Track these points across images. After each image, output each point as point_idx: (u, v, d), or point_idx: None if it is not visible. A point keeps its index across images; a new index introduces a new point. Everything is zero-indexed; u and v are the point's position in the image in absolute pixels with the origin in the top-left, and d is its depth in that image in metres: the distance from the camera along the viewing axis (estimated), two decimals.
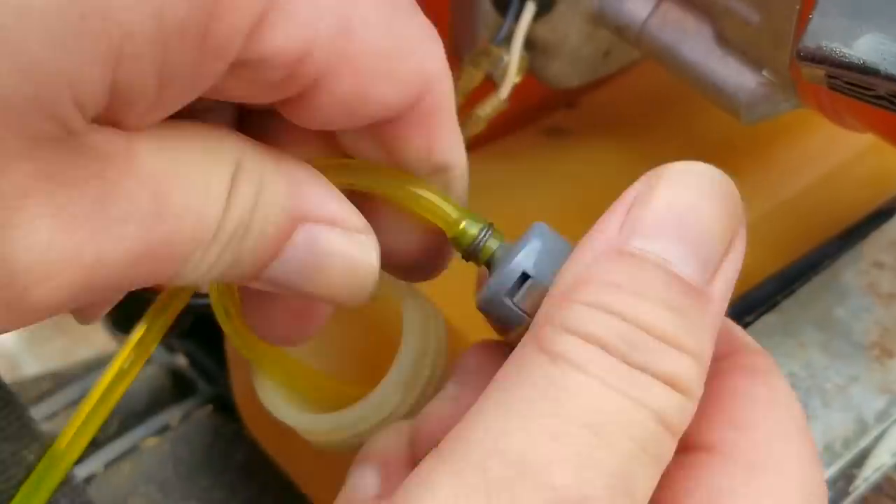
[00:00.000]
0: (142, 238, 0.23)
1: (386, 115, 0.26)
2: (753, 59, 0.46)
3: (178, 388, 0.67)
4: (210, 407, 0.64)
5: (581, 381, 0.23)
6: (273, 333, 0.32)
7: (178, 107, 0.24)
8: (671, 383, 0.24)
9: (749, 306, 0.53)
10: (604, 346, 0.24)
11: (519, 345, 0.25)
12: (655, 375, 0.24)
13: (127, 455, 0.61)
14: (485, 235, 0.30)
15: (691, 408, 0.24)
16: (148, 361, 0.68)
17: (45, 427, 0.62)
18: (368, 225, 0.28)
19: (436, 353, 0.39)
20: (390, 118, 0.26)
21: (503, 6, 0.50)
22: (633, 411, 0.23)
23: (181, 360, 0.68)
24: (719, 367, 0.28)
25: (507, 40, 0.50)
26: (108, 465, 0.60)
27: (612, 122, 0.64)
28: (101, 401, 0.33)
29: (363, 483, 0.30)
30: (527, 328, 0.27)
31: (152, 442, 0.62)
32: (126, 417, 0.63)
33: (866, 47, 0.31)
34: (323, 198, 0.27)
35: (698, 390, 0.25)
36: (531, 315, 0.28)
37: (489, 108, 0.50)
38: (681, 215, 0.26)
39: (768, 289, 0.55)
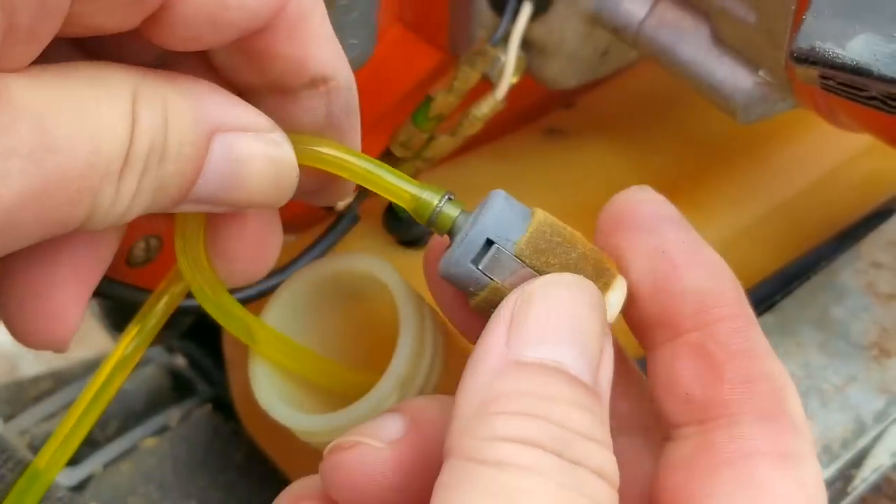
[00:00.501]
0: (32, 173, 0.23)
1: (249, 25, 0.26)
2: (750, 59, 0.46)
3: (176, 388, 0.67)
4: (209, 407, 0.64)
5: (534, 481, 0.24)
6: (233, 269, 0.33)
7: (39, 41, 0.24)
8: (601, 474, 0.25)
9: None
10: (540, 447, 0.25)
11: (443, 469, 0.26)
12: (589, 469, 0.25)
13: (126, 455, 0.61)
14: (443, 203, 0.31)
15: (617, 496, 0.26)
16: (147, 362, 0.69)
17: (45, 427, 0.62)
18: (275, 124, 0.29)
19: (432, 353, 0.39)
20: (255, 28, 0.26)
21: (500, 6, 0.50)
22: None
23: (180, 361, 0.69)
24: (756, 444, 0.28)
25: (504, 40, 0.50)
26: (108, 465, 0.60)
27: (609, 123, 0.64)
28: (82, 417, 0.33)
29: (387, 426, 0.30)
30: (490, 292, 0.29)
31: (151, 442, 0.62)
32: (125, 418, 0.64)
33: (859, 48, 0.31)
34: (229, 106, 0.27)
35: (617, 479, 0.26)
36: (496, 279, 0.29)
37: (486, 108, 0.50)
38: (562, 321, 0.27)
39: (766, 289, 0.55)
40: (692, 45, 0.48)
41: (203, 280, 0.33)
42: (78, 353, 1.06)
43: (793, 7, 0.41)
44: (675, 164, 0.61)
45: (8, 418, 0.61)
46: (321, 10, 0.28)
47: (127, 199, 0.25)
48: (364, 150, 0.50)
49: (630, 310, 0.31)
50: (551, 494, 0.24)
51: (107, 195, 0.24)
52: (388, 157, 0.52)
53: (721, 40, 0.47)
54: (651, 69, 0.57)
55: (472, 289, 0.30)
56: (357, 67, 0.48)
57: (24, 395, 0.65)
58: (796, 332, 0.52)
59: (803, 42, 0.32)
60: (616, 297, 0.30)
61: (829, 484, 0.49)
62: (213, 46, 0.27)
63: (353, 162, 0.31)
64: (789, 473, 0.28)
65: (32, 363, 1.06)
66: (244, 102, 0.28)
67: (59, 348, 0.30)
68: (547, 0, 0.50)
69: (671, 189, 0.60)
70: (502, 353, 0.26)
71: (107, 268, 0.31)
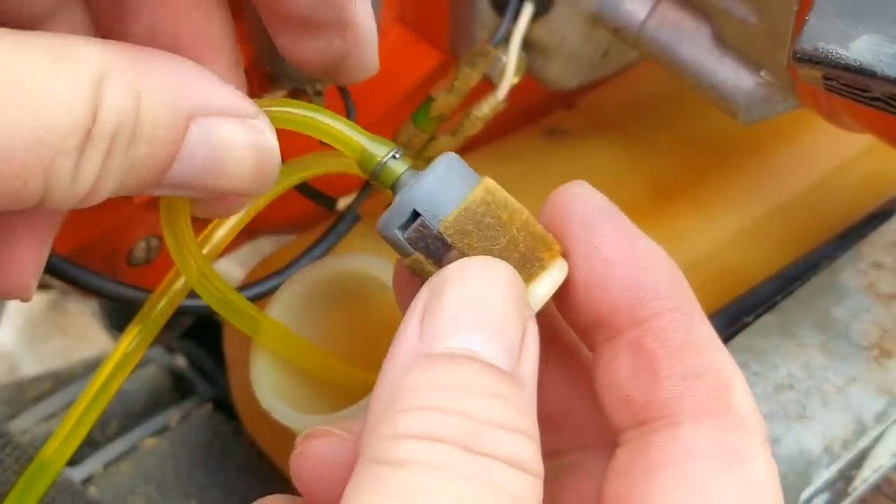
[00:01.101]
0: None
1: None
2: (751, 60, 0.46)
3: (177, 388, 0.67)
4: (209, 407, 0.64)
5: (432, 478, 0.23)
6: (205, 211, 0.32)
7: None
8: (515, 464, 0.24)
9: (748, 307, 0.53)
10: (444, 442, 0.24)
11: (356, 468, 0.25)
12: (499, 459, 0.24)
13: (126, 455, 0.61)
14: (388, 158, 0.30)
15: (538, 484, 0.25)
16: (147, 362, 0.69)
17: (44, 427, 0.62)
18: (259, 109, 0.27)
19: None
20: None
21: (501, 7, 0.50)
22: (488, 497, 0.23)
23: (180, 361, 0.69)
24: (695, 445, 0.26)
25: (505, 41, 0.50)
26: (108, 465, 0.60)
27: (610, 123, 0.64)
28: (90, 406, 0.33)
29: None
30: (414, 262, 0.28)
31: (151, 442, 0.62)
32: (125, 418, 0.63)
33: (862, 49, 0.31)
34: (211, 89, 0.26)
35: (539, 467, 0.25)
36: (420, 251, 0.28)
37: (486, 108, 0.50)
38: (474, 308, 0.26)
39: (767, 289, 0.55)
40: (693, 45, 0.48)
41: (201, 271, 0.33)
42: (78, 353, 1.06)
43: (795, 8, 0.41)
44: (676, 164, 0.61)
45: (8, 418, 0.61)
46: None
47: (90, 178, 0.24)
48: None
49: (566, 309, 0.29)
50: (453, 490, 0.23)
51: (63, 173, 0.23)
52: None
53: (722, 41, 0.47)
54: (652, 69, 0.57)
55: (400, 254, 0.29)
56: None
57: (24, 395, 0.65)
58: (797, 332, 0.52)
59: (806, 43, 0.32)
60: (543, 286, 0.29)
61: (830, 484, 0.49)
62: None
63: (298, 113, 0.29)
64: (733, 474, 0.26)
65: (33, 363, 1.06)
66: (228, 85, 0.27)
67: (22, 296, 0.29)
68: (548, 0, 0.50)
69: (672, 189, 0.60)
70: (414, 347, 0.26)
71: (64, 218, 0.30)
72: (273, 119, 0.29)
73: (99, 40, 0.25)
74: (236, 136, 0.26)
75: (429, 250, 0.29)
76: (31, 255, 0.28)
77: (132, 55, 0.25)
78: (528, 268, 0.29)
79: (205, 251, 0.35)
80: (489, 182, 0.29)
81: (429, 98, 0.51)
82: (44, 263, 0.29)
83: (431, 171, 0.29)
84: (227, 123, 0.26)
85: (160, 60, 0.26)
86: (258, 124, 0.27)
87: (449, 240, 0.28)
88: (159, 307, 0.34)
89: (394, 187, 0.30)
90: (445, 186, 0.29)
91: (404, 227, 0.29)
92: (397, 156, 0.30)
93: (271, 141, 0.28)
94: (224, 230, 0.36)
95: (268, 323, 0.38)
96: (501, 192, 0.30)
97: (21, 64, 0.22)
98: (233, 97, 0.27)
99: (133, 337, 0.34)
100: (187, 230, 0.32)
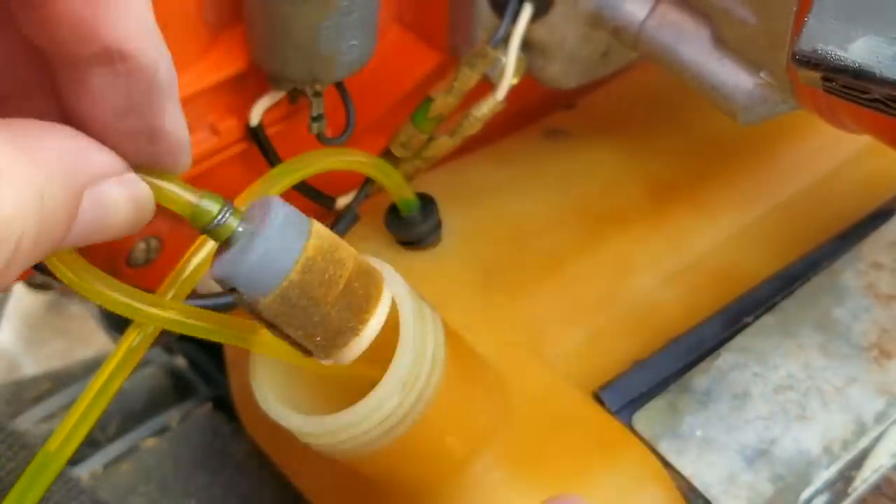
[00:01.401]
0: None
1: None
2: (751, 61, 0.46)
3: (177, 389, 0.67)
4: (209, 407, 0.64)
5: None
6: None
7: None
8: None
9: (748, 307, 0.53)
10: None
11: None
12: None
13: (127, 455, 0.61)
14: (224, 216, 0.30)
15: None
16: (147, 362, 0.69)
17: (44, 427, 0.62)
18: (124, 161, 0.28)
19: (433, 354, 0.39)
20: None
21: (500, 7, 0.50)
22: None
23: (180, 362, 0.69)
24: None
25: (505, 41, 0.50)
26: (108, 465, 0.60)
27: (610, 123, 0.64)
28: (94, 399, 0.33)
29: None
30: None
31: (152, 442, 0.62)
32: (126, 418, 0.64)
33: (861, 50, 0.31)
34: (95, 157, 0.26)
35: None
36: (245, 306, 0.31)
37: (486, 108, 0.50)
38: None
39: (767, 290, 0.55)
40: (693, 46, 0.48)
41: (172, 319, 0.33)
42: (77, 353, 1.06)
43: (794, 9, 0.41)
44: (676, 164, 0.61)
45: (8, 418, 0.61)
46: None
47: None
48: (364, 150, 0.50)
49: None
50: None
51: None
52: (387, 157, 0.52)
53: (722, 42, 0.47)
54: (651, 70, 0.57)
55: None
56: (358, 68, 0.49)
57: (24, 395, 0.65)
58: (797, 333, 0.52)
59: (805, 44, 0.32)
60: (347, 355, 0.33)
61: (830, 485, 0.49)
62: None
63: None
64: None
65: (32, 364, 1.06)
66: (102, 146, 0.27)
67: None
68: (548, 1, 0.50)
69: (672, 189, 0.60)
70: None
71: None
72: None
73: None
74: (119, 195, 0.27)
75: (249, 307, 0.31)
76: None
77: (25, 141, 0.24)
78: (339, 339, 0.32)
79: (194, 266, 0.36)
80: (309, 251, 0.31)
81: (428, 98, 0.51)
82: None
83: (258, 244, 0.30)
84: (111, 186, 0.27)
85: (53, 140, 0.25)
86: (131, 178, 0.28)
87: (267, 318, 0.31)
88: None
89: (226, 242, 0.31)
90: (266, 264, 0.30)
91: (230, 290, 0.31)
92: (228, 214, 0.30)
93: (145, 188, 0.28)
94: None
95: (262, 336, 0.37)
96: (323, 259, 0.31)
97: None
98: (111, 158, 0.27)
99: (136, 335, 0.34)
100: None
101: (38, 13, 0.25)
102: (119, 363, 0.34)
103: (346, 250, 0.33)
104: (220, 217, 0.30)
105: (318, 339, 0.33)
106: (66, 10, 0.24)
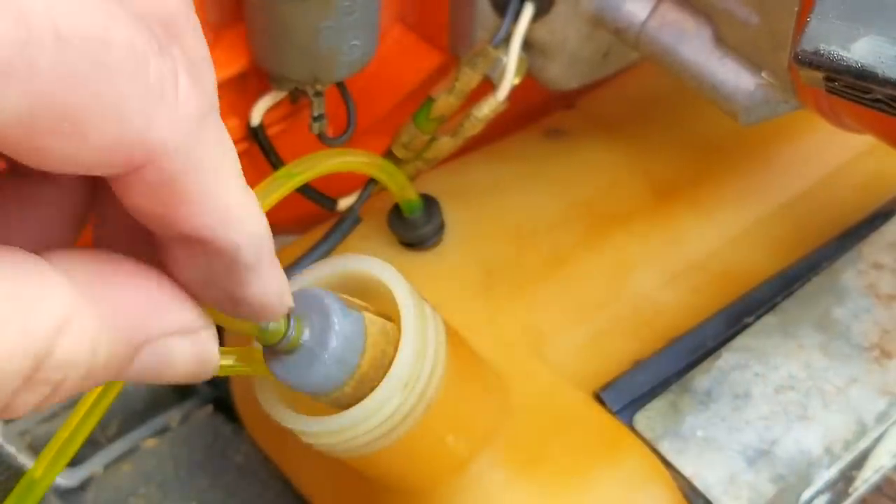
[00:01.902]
0: None
1: (89, 173, 0.22)
2: (752, 61, 0.46)
3: (177, 389, 0.67)
4: (209, 408, 0.64)
5: None
6: None
7: None
8: None
9: (749, 307, 0.53)
10: None
11: None
12: None
13: (127, 456, 0.61)
14: (291, 334, 0.33)
15: None
16: None
17: (45, 428, 0.62)
18: (206, 316, 0.27)
19: (434, 354, 0.39)
20: (106, 175, 0.23)
21: (502, 7, 0.50)
22: None
23: None
24: None
25: (506, 41, 0.50)
26: (108, 465, 0.60)
27: (610, 124, 0.64)
28: (79, 424, 0.33)
29: None
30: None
31: (152, 443, 0.62)
32: (126, 418, 0.63)
33: (864, 50, 0.31)
34: (169, 311, 0.26)
35: None
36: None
37: (486, 108, 0.50)
38: None
39: (768, 290, 0.55)
40: (694, 46, 0.48)
41: None
42: None
43: (796, 9, 0.41)
44: (676, 164, 0.61)
45: (8, 419, 0.61)
46: (218, 158, 0.24)
47: (23, 409, 0.23)
48: (365, 150, 0.50)
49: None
50: None
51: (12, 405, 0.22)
52: (390, 158, 0.52)
53: (723, 42, 0.47)
54: (652, 70, 0.57)
55: None
56: (359, 68, 0.49)
57: None
58: (798, 333, 0.52)
59: (808, 44, 0.32)
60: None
61: (831, 485, 0.49)
62: (54, 170, 0.22)
63: None
64: None
65: None
66: (185, 300, 0.26)
67: None
68: (549, 1, 0.50)
69: (672, 189, 0.60)
70: None
71: None
72: None
73: (67, 267, 0.23)
74: (182, 351, 0.26)
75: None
76: None
77: (99, 288, 0.24)
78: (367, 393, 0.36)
79: None
80: (366, 358, 0.35)
81: (429, 99, 0.51)
82: None
83: (317, 368, 0.34)
84: (175, 341, 0.26)
85: (124, 283, 0.25)
86: (204, 337, 0.27)
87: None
88: None
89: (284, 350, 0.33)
90: (330, 376, 0.34)
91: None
92: (293, 332, 0.33)
93: (213, 351, 0.27)
94: None
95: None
96: (375, 350, 0.36)
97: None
98: (187, 314, 0.26)
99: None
100: None
101: (110, 196, 0.24)
102: (101, 392, 0.33)
103: (384, 326, 0.37)
104: (286, 336, 0.32)
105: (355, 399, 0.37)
106: (138, 206, 0.24)
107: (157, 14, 0.23)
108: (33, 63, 0.19)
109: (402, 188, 0.49)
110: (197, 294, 0.27)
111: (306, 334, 0.33)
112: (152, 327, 0.25)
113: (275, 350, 0.33)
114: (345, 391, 0.35)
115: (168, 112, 0.22)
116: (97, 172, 0.22)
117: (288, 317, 0.32)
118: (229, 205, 0.24)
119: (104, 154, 0.21)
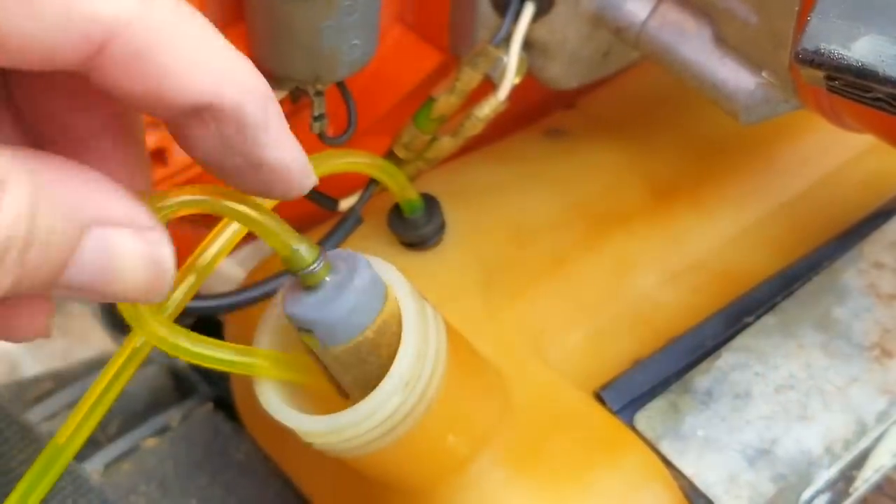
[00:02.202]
0: None
1: (57, 61, 0.24)
2: (753, 60, 0.46)
3: (178, 388, 0.67)
4: (210, 406, 0.64)
5: None
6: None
7: None
8: None
9: (749, 307, 0.54)
10: None
11: None
12: None
13: (127, 455, 0.61)
14: (318, 265, 0.33)
15: None
16: (148, 362, 0.69)
17: (45, 427, 0.62)
18: (158, 221, 0.28)
19: (435, 354, 0.39)
20: (73, 64, 0.24)
21: (502, 7, 0.50)
22: None
23: (181, 361, 0.69)
24: None
25: (506, 41, 0.50)
26: (109, 464, 0.60)
27: (611, 123, 0.64)
28: (102, 393, 0.33)
29: None
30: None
31: (152, 442, 0.62)
32: (126, 418, 0.63)
33: (865, 49, 0.31)
34: (110, 200, 0.26)
35: None
36: (309, 348, 0.35)
37: (487, 108, 0.50)
38: None
39: (768, 289, 0.55)
40: (694, 45, 0.48)
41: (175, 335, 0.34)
42: (78, 353, 1.06)
43: (797, 8, 0.41)
44: (677, 164, 0.61)
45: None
46: (187, 22, 0.25)
47: None
48: (366, 150, 0.50)
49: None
50: None
51: None
52: (391, 159, 0.52)
53: (724, 41, 0.47)
54: (652, 70, 0.57)
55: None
56: (359, 67, 0.49)
57: (25, 395, 0.65)
58: (798, 333, 0.52)
59: (808, 43, 0.32)
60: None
61: (831, 484, 0.49)
62: (16, 64, 0.24)
63: (238, 208, 0.31)
64: None
65: (33, 363, 1.06)
66: (125, 194, 0.27)
67: (42, 335, 0.30)
68: (549, 1, 0.50)
69: (672, 189, 0.60)
70: None
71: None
72: (215, 208, 0.30)
73: (3, 146, 0.24)
74: (130, 247, 0.27)
75: (317, 350, 0.35)
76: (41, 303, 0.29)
77: (32, 165, 0.25)
78: (376, 384, 0.36)
79: (204, 261, 0.36)
80: (385, 315, 0.35)
81: (430, 99, 0.51)
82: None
83: (346, 299, 0.34)
84: (122, 234, 0.27)
85: (59, 169, 0.26)
86: (153, 235, 0.27)
87: (328, 364, 0.35)
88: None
89: (309, 286, 0.34)
90: (350, 318, 0.34)
91: (303, 330, 0.34)
92: (320, 265, 0.33)
93: (166, 253, 0.28)
94: (223, 240, 0.36)
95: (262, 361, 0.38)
96: (392, 322, 0.36)
97: None
98: (130, 208, 0.27)
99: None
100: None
101: (89, 90, 0.26)
102: (129, 356, 0.34)
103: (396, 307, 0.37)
104: (314, 266, 0.33)
105: (364, 386, 0.36)
106: (124, 88, 0.25)
107: None
108: None
109: (402, 189, 0.49)
110: (219, 166, 0.27)
111: (330, 276, 0.33)
112: (95, 209, 0.26)
113: (301, 283, 0.33)
114: (367, 335, 0.35)
115: None
116: (63, 57, 0.23)
117: (319, 251, 0.33)
118: (215, 64, 0.25)
119: (61, 34, 0.23)
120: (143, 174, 0.30)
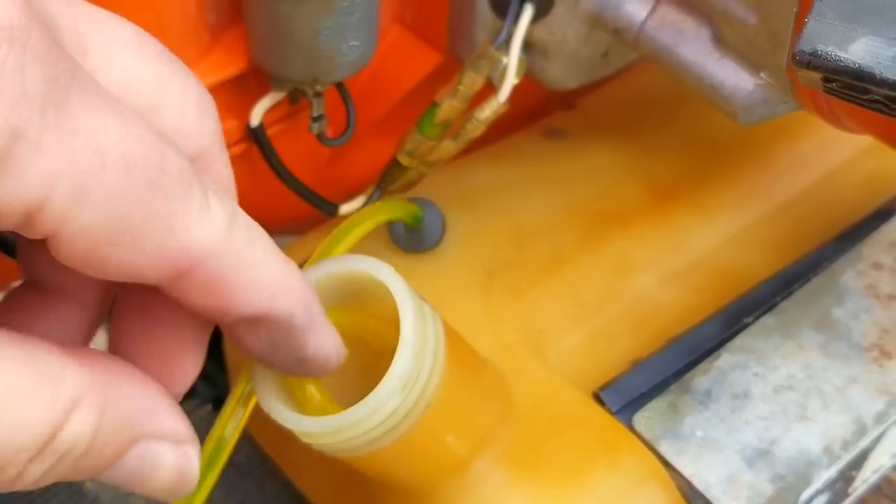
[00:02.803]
0: None
1: (144, 280, 0.26)
2: (751, 61, 0.46)
3: None
4: (209, 408, 0.64)
5: None
6: None
7: None
8: None
9: (748, 308, 0.54)
10: None
11: None
12: None
13: None
14: None
15: None
16: None
17: None
18: (194, 433, 0.29)
19: (433, 355, 0.39)
20: (157, 282, 0.26)
21: (501, 9, 0.50)
22: None
23: None
24: None
25: (506, 43, 0.50)
26: None
27: (610, 124, 0.64)
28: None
29: None
30: None
31: None
32: None
33: (861, 51, 0.31)
34: (163, 416, 0.28)
35: None
36: None
37: (488, 110, 0.50)
38: None
39: (767, 290, 0.55)
40: (693, 46, 0.48)
41: None
42: None
43: (794, 9, 0.41)
44: (676, 164, 0.61)
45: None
46: (252, 249, 0.27)
47: (32, 479, 0.25)
48: (366, 150, 0.50)
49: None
50: None
51: (8, 474, 0.25)
52: (394, 167, 0.52)
53: (722, 42, 0.47)
54: (652, 70, 0.57)
55: None
56: (358, 69, 0.49)
57: None
58: (797, 333, 0.52)
59: (805, 45, 0.32)
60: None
61: (830, 485, 0.49)
62: (104, 278, 0.26)
63: None
64: None
65: None
66: (174, 407, 0.29)
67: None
68: (548, 2, 0.50)
69: (672, 189, 0.60)
70: None
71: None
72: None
73: (80, 360, 0.26)
74: (167, 459, 0.28)
75: None
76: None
77: (106, 379, 0.26)
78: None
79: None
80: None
81: (433, 104, 0.51)
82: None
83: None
84: (163, 447, 0.28)
85: (128, 385, 0.27)
86: (190, 451, 0.29)
87: None
88: None
89: None
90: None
91: None
92: None
93: (195, 467, 0.30)
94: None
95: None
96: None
97: (6, 380, 0.24)
98: (178, 423, 0.29)
99: None
100: None
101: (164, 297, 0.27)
102: None
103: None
104: None
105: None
106: (197, 304, 0.27)
107: (195, 144, 0.28)
108: (105, 185, 0.23)
109: (407, 214, 0.50)
110: (267, 362, 0.30)
111: None
112: (148, 425, 0.28)
113: None
114: None
115: (206, 224, 0.25)
116: (151, 278, 0.25)
117: None
118: (273, 281, 0.28)
119: (156, 260, 0.25)
120: (196, 364, 0.32)
